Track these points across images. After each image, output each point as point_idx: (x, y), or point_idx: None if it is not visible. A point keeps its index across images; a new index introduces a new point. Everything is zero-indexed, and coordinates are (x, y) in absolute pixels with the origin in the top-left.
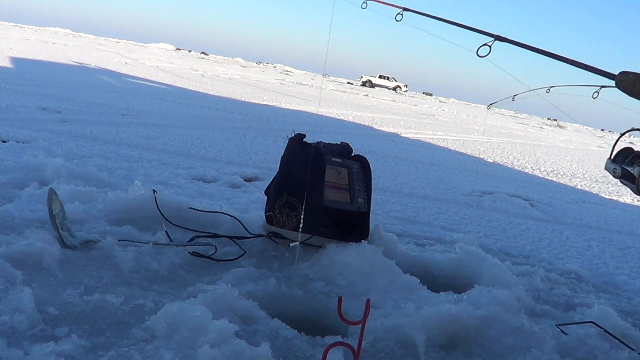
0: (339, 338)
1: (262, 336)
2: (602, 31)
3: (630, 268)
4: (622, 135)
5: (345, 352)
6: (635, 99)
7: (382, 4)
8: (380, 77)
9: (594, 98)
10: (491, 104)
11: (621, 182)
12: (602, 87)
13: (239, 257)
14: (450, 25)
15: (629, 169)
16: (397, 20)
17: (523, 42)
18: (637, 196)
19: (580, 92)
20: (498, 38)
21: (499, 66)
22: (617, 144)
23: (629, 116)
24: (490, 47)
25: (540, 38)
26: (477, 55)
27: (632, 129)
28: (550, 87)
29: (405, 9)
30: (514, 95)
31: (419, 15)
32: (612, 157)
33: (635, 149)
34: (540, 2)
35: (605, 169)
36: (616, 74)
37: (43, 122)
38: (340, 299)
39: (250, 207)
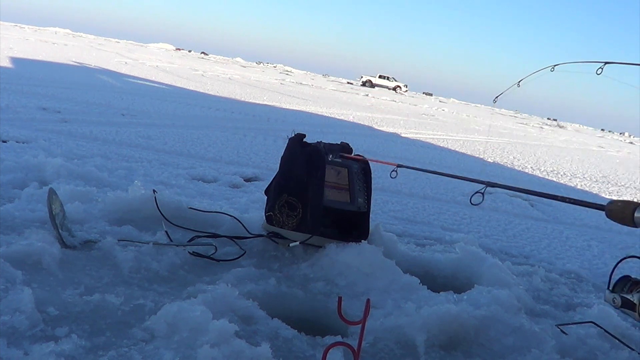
0: (339, 338)
1: (262, 336)
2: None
3: (630, 268)
4: (617, 263)
5: (345, 352)
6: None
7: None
8: (380, 77)
9: (598, 74)
10: (497, 97)
11: (622, 311)
12: (607, 63)
13: (239, 257)
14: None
15: (628, 297)
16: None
17: None
18: (637, 196)
19: (585, 69)
20: (489, 184)
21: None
22: (614, 273)
23: (629, 115)
24: (483, 194)
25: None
26: (471, 203)
27: (629, 256)
28: (555, 65)
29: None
30: (519, 81)
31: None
32: (610, 287)
33: (633, 277)
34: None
35: (605, 300)
36: (605, 204)
37: (43, 122)
38: (340, 299)
39: (250, 207)
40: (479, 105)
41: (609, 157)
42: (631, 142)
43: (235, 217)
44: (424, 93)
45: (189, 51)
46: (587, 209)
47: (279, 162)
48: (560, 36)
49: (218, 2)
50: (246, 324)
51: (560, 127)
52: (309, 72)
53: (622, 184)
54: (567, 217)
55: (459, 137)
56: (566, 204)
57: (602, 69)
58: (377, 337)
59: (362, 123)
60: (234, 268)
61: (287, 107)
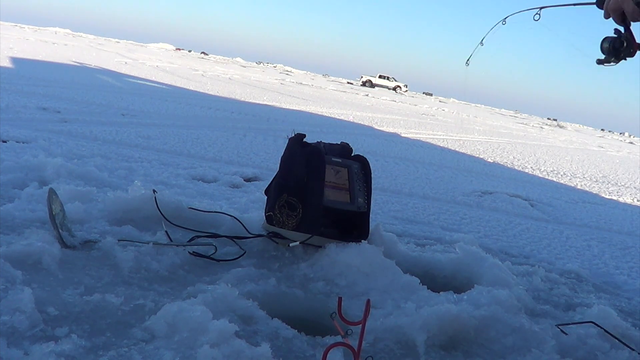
0: (339, 338)
1: (262, 336)
2: None
3: (630, 268)
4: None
5: (345, 352)
6: None
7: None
8: (380, 77)
9: (536, 20)
10: (468, 59)
11: None
12: (542, 8)
13: (239, 257)
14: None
15: None
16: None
17: None
18: (637, 196)
19: (528, 17)
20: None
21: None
22: None
23: (629, 116)
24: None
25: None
26: None
27: None
28: (505, 18)
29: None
30: (482, 40)
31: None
32: None
33: None
34: None
35: None
36: None
37: (43, 122)
38: (340, 299)
39: (250, 207)
40: (479, 105)
41: (609, 157)
42: (631, 142)
43: (235, 217)
44: (424, 93)
45: (189, 51)
46: (586, 209)
47: (279, 162)
48: None
49: (218, 2)
50: (246, 324)
51: (560, 127)
52: (309, 72)
53: (622, 184)
54: (567, 217)
55: (459, 137)
56: (566, 203)
57: (540, 14)
58: (377, 337)
59: (362, 123)
60: (234, 268)
61: (287, 107)
